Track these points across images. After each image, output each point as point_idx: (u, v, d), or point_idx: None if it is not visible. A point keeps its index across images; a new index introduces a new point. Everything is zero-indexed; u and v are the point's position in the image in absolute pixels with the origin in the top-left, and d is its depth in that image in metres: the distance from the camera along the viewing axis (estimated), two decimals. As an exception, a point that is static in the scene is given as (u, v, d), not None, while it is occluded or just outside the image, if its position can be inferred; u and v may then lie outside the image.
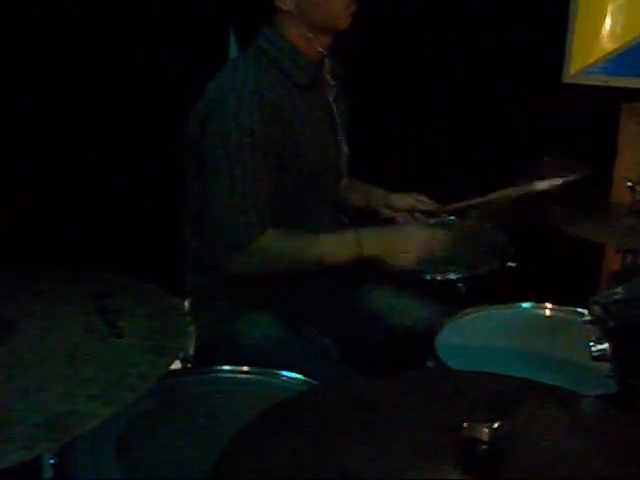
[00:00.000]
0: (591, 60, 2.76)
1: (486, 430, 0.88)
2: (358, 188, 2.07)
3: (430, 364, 1.56)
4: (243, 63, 1.74)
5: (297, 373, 1.38)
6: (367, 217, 2.10)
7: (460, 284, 1.99)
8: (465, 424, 0.89)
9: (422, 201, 2.06)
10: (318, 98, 1.81)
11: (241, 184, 1.64)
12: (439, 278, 1.98)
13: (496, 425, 0.88)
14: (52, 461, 1.14)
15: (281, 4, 1.71)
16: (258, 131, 1.63)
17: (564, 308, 1.78)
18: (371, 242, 1.70)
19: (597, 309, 1.23)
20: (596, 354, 1.21)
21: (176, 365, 1.53)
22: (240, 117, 1.63)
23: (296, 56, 1.74)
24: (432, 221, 2.31)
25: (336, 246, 1.72)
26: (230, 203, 1.66)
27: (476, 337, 1.67)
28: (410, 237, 1.73)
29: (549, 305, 1.79)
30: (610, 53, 2.74)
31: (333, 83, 1.85)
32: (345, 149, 1.87)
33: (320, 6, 1.71)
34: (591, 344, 1.22)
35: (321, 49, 1.77)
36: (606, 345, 1.20)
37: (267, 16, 1.76)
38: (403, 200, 2.06)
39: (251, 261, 1.69)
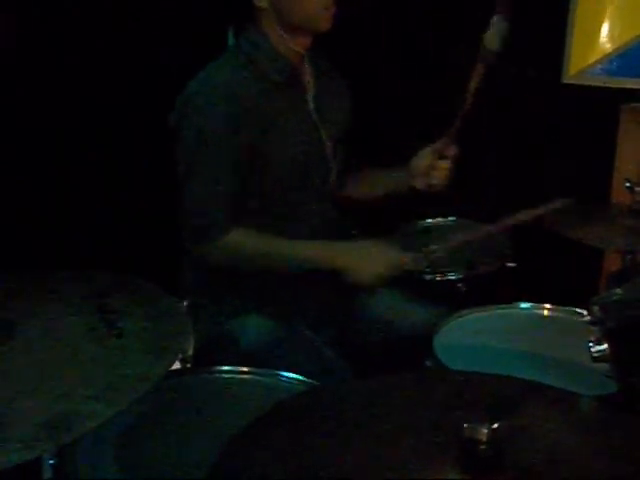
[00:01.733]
0: (591, 60, 2.76)
1: (485, 430, 0.88)
2: (372, 179, 2.02)
3: (429, 364, 1.56)
4: (220, 61, 1.76)
5: (293, 372, 1.38)
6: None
7: (460, 284, 1.99)
8: (465, 424, 0.89)
9: (439, 148, 1.89)
10: (297, 96, 1.80)
11: (205, 182, 1.68)
12: (439, 278, 1.98)
13: (495, 425, 0.88)
14: (52, 461, 1.14)
15: (258, 2, 1.71)
16: (223, 130, 1.66)
17: (563, 308, 1.77)
18: (340, 256, 1.70)
19: (596, 309, 1.23)
20: (595, 354, 1.21)
21: (176, 365, 1.54)
22: (206, 115, 1.67)
23: (273, 54, 1.75)
24: (431, 221, 2.31)
25: (306, 254, 1.72)
26: (194, 200, 1.70)
27: (475, 337, 1.67)
28: (378, 255, 1.70)
29: (548, 305, 1.79)
30: (610, 53, 2.74)
31: (313, 82, 1.83)
32: (329, 145, 1.84)
33: (295, 6, 1.70)
34: (590, 345, 1.21)
35: (299, 50, 1.76)
36: (605, 346, 1.20)
37: (249, 15, 1.76)
38: (421, 161, 1.90)
39: (220, 256, 1.71)
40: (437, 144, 1.89)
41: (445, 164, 1.89)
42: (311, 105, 1.82)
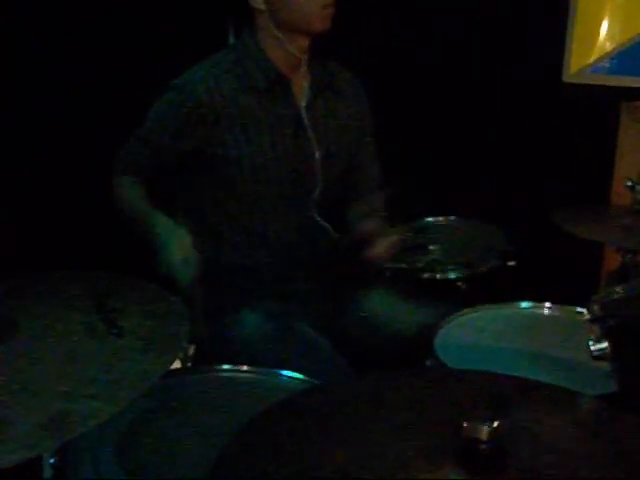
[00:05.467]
0: (591, 59, 2.76)
1: (486, 429, 0.88)
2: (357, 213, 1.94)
3: (429, 363, 1.56)
4: (209, 60, 1.78)
5: (287, 369, 1.39)
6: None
7: (460, 283, 1.99)
8: (465, 423, 0.89)
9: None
10: (285, 104, 1.79)
11: (141, 136, 1.81)
12: (439, 277, 1.98)
13: (496, 424, 0.88)
14: (52, 461, 1.14)
15: (253, 2, 1.71)
16: (176, 122, 1.75)
17: (564, 307, 1.77)
18: (154, 233, 1.68)
19: (597, 308, 1.23)
20: (596, 353, 1.21)
21: (176, 364, 1.54)
22: (170, 100, 1.76)
23: (261, 58, 1.75)
24: (431, 220, 2.31)
25: (137, 214, 1.77)
26: (129, 140, 1.84)
27: (475, 336, 1.67)
28: (172, 255, 1.61)
29: (548, 304, 1.79)
30: (610, 52, 2.74)
31: (308, 90, 1.81)
32: (319, 156, 1.82)
33: (290, 5, 1.69)
34: (591, 343, 1.21)
35: (295, 52, 1.75)
36: (606, 344, 1.20)
37: (246, 16, 1.76)
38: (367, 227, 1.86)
39: (114, 193, 1.83)
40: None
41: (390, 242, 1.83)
42: (303, 114, 1.81)
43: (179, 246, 1.59)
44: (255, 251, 1.83)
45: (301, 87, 1.81)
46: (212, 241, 1.82)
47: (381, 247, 1.81)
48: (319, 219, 1.86)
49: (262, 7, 1.71)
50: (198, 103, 1.72)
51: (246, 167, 1.76)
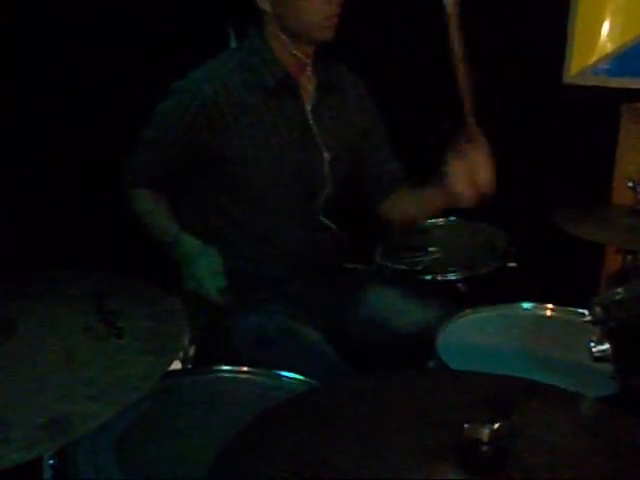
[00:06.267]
0: (591, 60, 2.76)
1: (487, 431, 0.87)
2: (405, 201, 1.94)
3: (431, 364, 1.55)
4: (215, 60, 1.78)
5: (293, 370, 1.38)
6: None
7: (461, 284, 1.99)
8: (466, 425, 0.88)
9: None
10: (293, 105, 1.79)
11: (151, 142, 1.80)
12: (439, 278, 1.98)
13: (497, 426, 0.88)
14: (51, 462, 1.13)
15: (260, 4, 1.72)
16: (183, 123, 1.73)
17: (565, 308, 1.77)
18: (180, 250, 1.70)
19: (598, 309, 1.23)
20: (597, 354, 1.21)
21: (176, 365, 1.53)
22: (176, 101, 1.75)
23: (269, 58, 1.75)
24: (431, 221, 2.31)
25: (159, 229, 1.77)
26: (138, 149, 1.82)
27: (477, 337, 1.67)
28: (200, 269, 1.64)
29: (550, 305, 1.79)
30: (611, 53, 2.74)
31: (314, 92, 1.81)
32: (326, 157, 1.82)
33: (295, 12, 1.69)
34: (592, 344, 1.21)
35: (300, 55, 1.76)
36: (607, 345, 1.20)
37: (252, 17, 1.76)
38: (456, 168, 1.73)
39: (130, 206, 1.81)
40: (457, 146, 1.72)
41: (485, 161, 1.73)
42: (309, 116, 1.81)
43: (208, 265, 1.62)
44: (258, 254, 1.82)
45: (307, 89, 1.82)
46: (214, 245, 1.82)
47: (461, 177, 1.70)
48: (324, 220, 1.86)
49: (268, 9, 1.71)
50: (204, 103, 1.72)
51: (251, 169, 1.75)
